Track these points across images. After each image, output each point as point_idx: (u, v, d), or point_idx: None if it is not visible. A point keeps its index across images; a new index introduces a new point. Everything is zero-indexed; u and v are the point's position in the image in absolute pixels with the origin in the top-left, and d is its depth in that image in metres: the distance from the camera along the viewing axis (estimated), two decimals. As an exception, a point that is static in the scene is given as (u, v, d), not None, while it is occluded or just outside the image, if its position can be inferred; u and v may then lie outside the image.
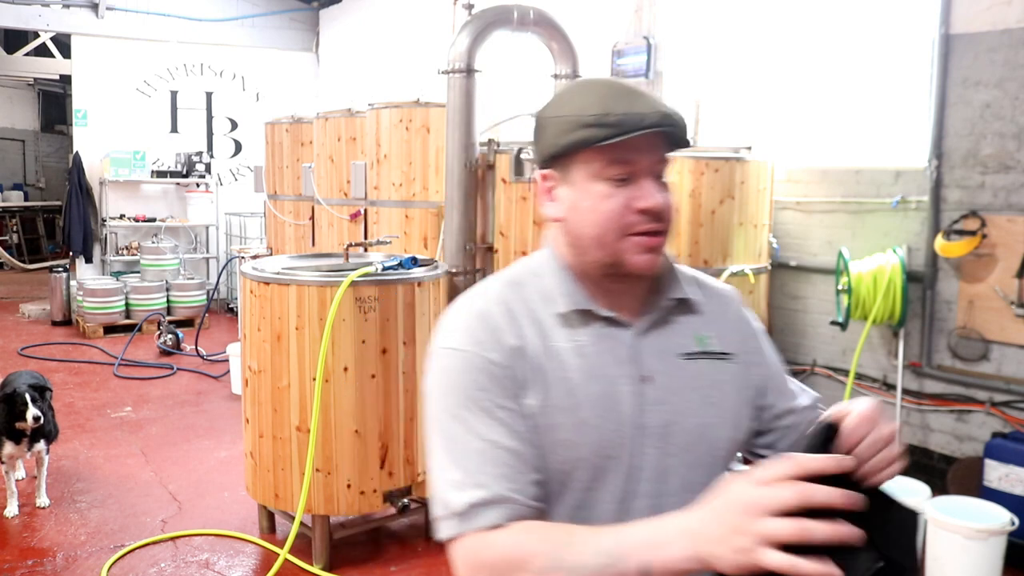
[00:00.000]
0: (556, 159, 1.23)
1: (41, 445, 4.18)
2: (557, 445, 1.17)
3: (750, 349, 1.32)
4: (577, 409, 1.17)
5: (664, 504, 1.17)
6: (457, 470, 1.14)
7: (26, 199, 14.86)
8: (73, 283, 9.12)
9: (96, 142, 9.76)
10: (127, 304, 8.82)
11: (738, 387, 1.28)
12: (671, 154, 1.23)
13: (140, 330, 8.24)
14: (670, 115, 1.17)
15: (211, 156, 10.28)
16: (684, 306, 1.28)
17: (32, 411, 4.01)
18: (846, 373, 4.60)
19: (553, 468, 1.17)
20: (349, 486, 3.61)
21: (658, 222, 1.19)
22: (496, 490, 1.12)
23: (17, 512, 4.13)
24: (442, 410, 1.19)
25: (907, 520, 1.04)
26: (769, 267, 5.03)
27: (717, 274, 4.77)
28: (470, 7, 5.25)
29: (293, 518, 3.55)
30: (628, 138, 1.15)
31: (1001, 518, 3.35)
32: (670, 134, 1.18)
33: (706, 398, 1.24)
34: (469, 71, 4.15)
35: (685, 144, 1.22)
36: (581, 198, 1.20)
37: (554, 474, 1.18)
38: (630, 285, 1.24)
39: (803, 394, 1.39)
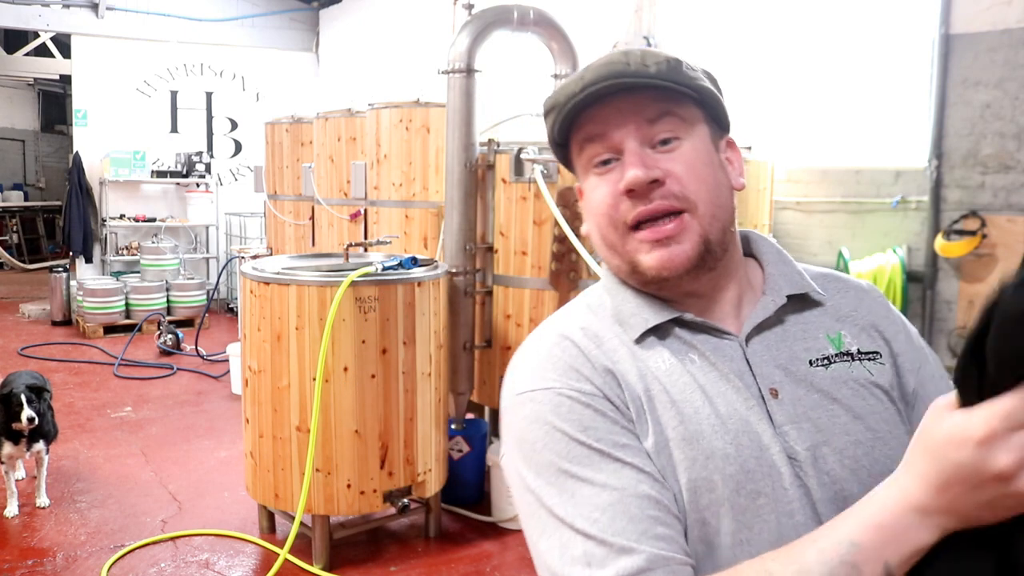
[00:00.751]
0: (569, 165, 1.04)
1: (40, 445, 4.18)
2: (687, 489, 0.89)
3: (899, 350, 1.03)
4: (699, 438, 0.90)
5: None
6: (584, 540, 0.84)
7: (26, 199, 14.86)
8: (73, 283, 9.12)
9: (96, 142, 9.76)
10: (127, 304, 8.82)
11: (894, 394, 1.00)
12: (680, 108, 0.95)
13: (140, 330, 8.24)
14: (621, 67, 0.93)
15: (211, 156, 10.28)
16: (802, 302, 1.02)
17: (27, 412, 4.00)
18: (846, 373, 4.59)
19: (692, 520, 0.89)
20: (349, 486, 3.61)
21: (651, 200, 0.93)
22: (647, 550, 0.83)
23: (17, 512, 4.13)
24: (540, 471, 0.89)
25: None
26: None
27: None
28: (470, 7, 5.24)
29: (293, 518, 3.55)
30: (565, 114, 0.96)
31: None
32: (656, 85, 0.94)
33: (855, 409, 0.96)
34: (469, 71, 4.15)
35: (686, 87, 0.95)
36: (584, 200, 1.01)
37: (695, 527, 0.89)
38: (705, 286, 0.99)
39: None
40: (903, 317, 1.10)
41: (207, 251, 10.34)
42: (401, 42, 8.70)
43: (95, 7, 9.52)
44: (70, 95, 10.99)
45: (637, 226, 0.95)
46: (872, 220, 4.71)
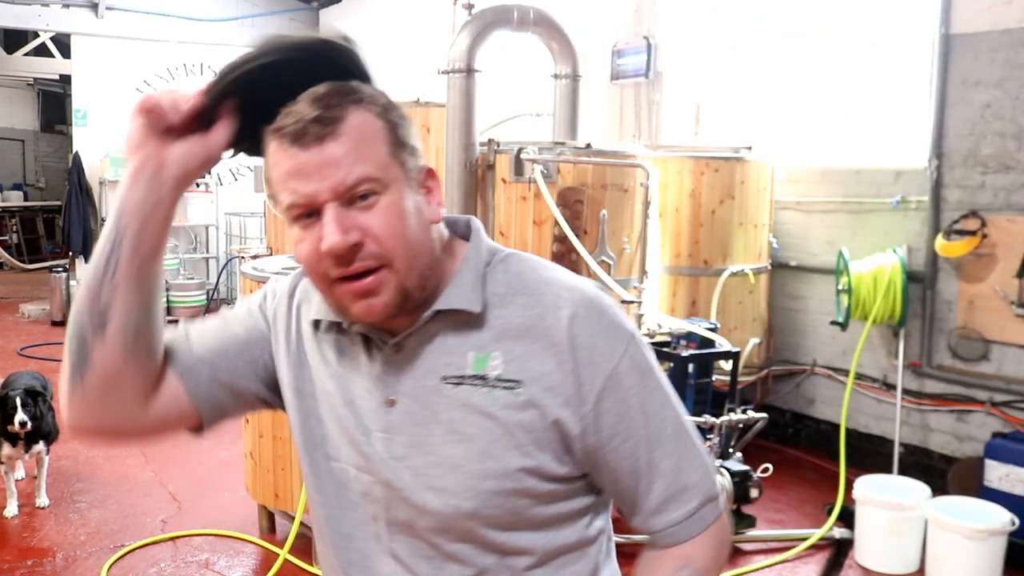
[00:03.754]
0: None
1: (40, 446, 4.18)
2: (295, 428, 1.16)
3: (565, 385, 1.01)
4: (306, 399, 1.13)
5: (393, 533, 1.07)
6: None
7: (26, 199, 14.85)
8: (73, 283, 9.11)
9: (96, 142, 9.74)
10: (127, 304, 8.80)
11: (517, 426, 1.01)
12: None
13: (140, 330, 8.22)
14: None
15: (211, 156, 10.26)
16: (460, 318, 1.03)
17: (19, 416, 3.98)
18: (846, 373, 4.60)
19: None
20: (349, 486, 3.61)
21: (351, 262, 0.97)
22: None
23: (17, 512, 4.13)
24: None
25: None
26: (769, 267, 5.03)
27: (717, 274, 4.77)
28: (470, 7, 5.24)
29: (293, 518, 3.55)
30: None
31: (1001, 518, 3.35)
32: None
33: (454, 432, 1.02)
34: (469, 71, 4.14)
35: (355, 76, 1.05)
36: (290, 236, 1.04)
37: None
38: None
39: (668, 505, 1.06)
40: (617, 347, 1.03)
41: (207, 251, 10.33)
42: (401, 42, 8.69)
43: (95, 7, 9.51)
44: (70, 95, 10.99)
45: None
46: (872, 220, 4.71)
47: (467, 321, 1.03)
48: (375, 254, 0.97)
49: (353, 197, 0.96)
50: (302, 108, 0.97)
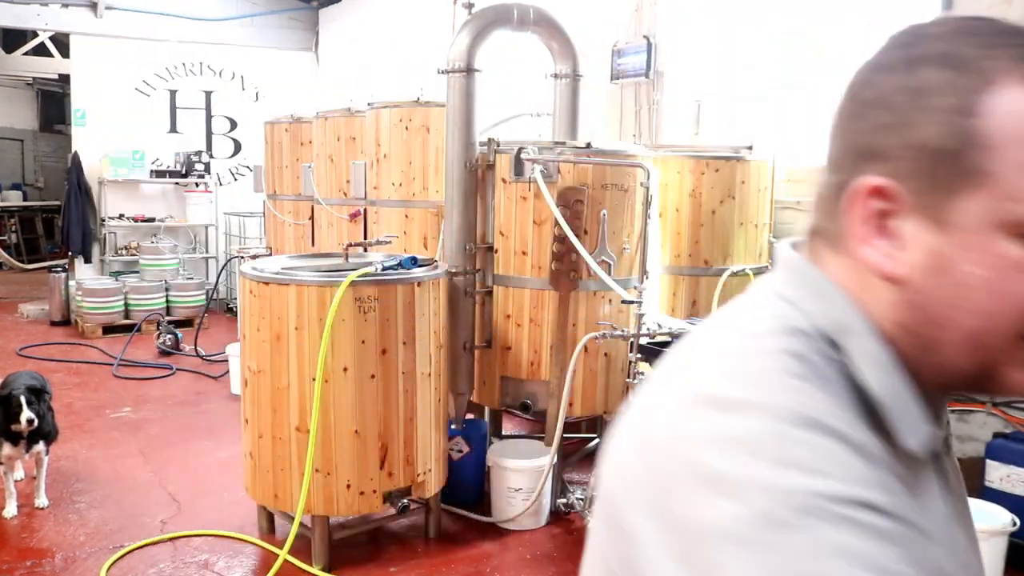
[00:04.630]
0: (923, 163, 0.67)
1: (40, 446, 4.17)
2: None
3: None
4: None
5: None
6: None
7: (25, 199, 14.84)
8: (72, 283, 9.10)
9: (95, 142, 9.74)
10: (126, 304, 8.81)
11: None
12: None
13: (139, 330, 8.23)
14: None
15: (210, 156, 10.27)
16: None
17: (26, 414, 3.99)
18: (846, 373, 4.59)
19: None
20: (348, 486, 3.61)
21: None
22: None
23: (16, 513, 4.12)
24: None
25: None
26: (770, 267, 5.02)
27: (717, 274, 4.77)
28: (470, 6, 5.23)
29: (292, 518, 3.54)
30: None
31: (1002, 518, 3.34)
32: None
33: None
34: (469, 71, 4.14)
35: None
36: (965, 258, 0.65)
37: None
38: None
39: None
40: None
41: (206, 251, 10.33)
42: (401, 42, 8.69)
43: (94, 6, 9.50)
44: (69, 94, 10.98)
45: None
46: (872, 220, 4.70)
47: None
48: None
49: None
50: None
